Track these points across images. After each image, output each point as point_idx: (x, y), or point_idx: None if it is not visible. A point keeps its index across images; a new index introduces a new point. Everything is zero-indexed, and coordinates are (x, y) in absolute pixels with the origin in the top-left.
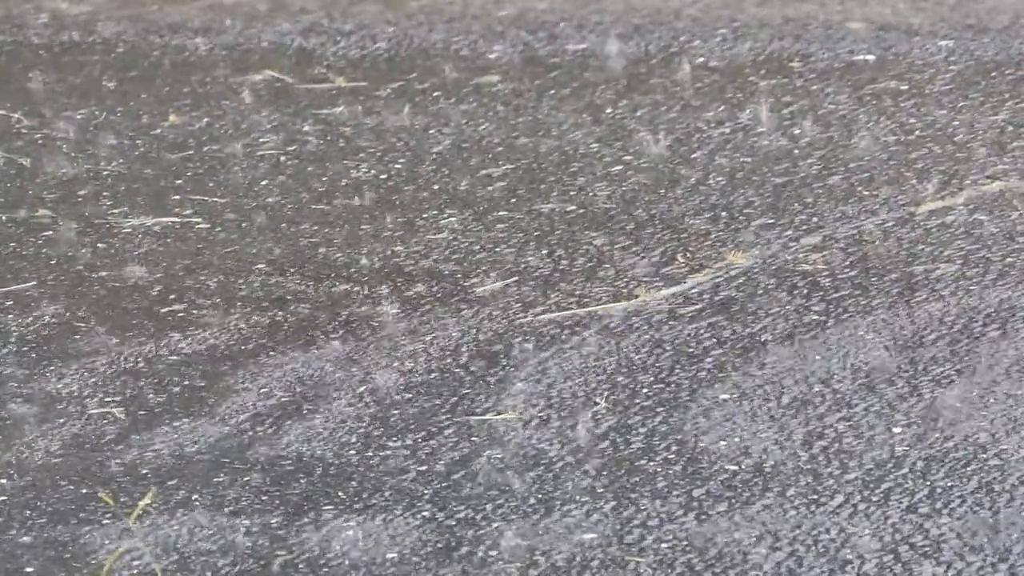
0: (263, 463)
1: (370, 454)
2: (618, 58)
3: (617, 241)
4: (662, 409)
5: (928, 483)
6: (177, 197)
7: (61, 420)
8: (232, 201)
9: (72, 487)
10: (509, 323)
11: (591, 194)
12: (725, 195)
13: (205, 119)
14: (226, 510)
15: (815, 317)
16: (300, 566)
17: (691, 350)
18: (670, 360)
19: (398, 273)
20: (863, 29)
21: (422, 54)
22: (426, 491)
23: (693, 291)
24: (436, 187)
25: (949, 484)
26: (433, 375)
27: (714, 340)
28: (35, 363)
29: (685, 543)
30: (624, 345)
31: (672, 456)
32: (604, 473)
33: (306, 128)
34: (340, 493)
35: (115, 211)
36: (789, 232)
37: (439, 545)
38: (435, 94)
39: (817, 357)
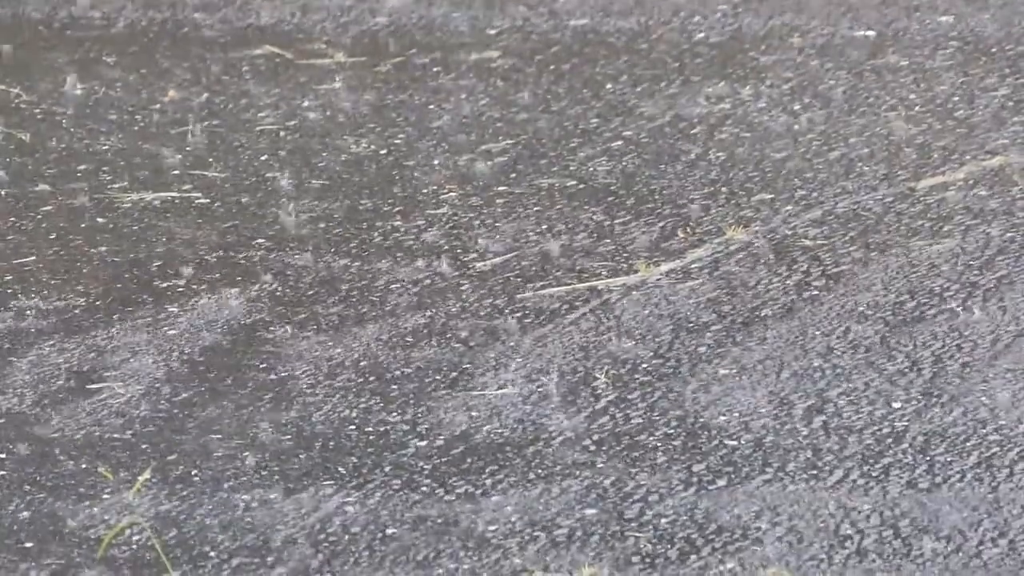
0: (261, 438)
1: (369, 429)
2: (618, 34)
3: (617, 216)
4: (662, 384)
5: (928, 458)
6: (177, 172)
7: (61, 395)
8: (232, 176)
9: (72, 462)
10: (509, 298)
11: (591, 169)
12: (725, 170)
13: (205, 94)
14: (226, 485)
15: (815, 292)
16: (299, 541)
17: (691, 325)
18: (670, 335)
19: (398, 248)
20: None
21: (422, 29)
22: (426, 466)
23: (693, 266)
24: (436, 162)
25: (948, 459)
26: (433, 350)
27: (714, 315)
28: (35, 338)
29: (685, 518)
30: (624, 320)
31: (672, 431)
32: (604, 448)
33: (306, 103)
34: (340, 468)
35: (115, 186)
36: (789, 207)
37: (439, 520)
38: (435, 69)
39: (816, 332)
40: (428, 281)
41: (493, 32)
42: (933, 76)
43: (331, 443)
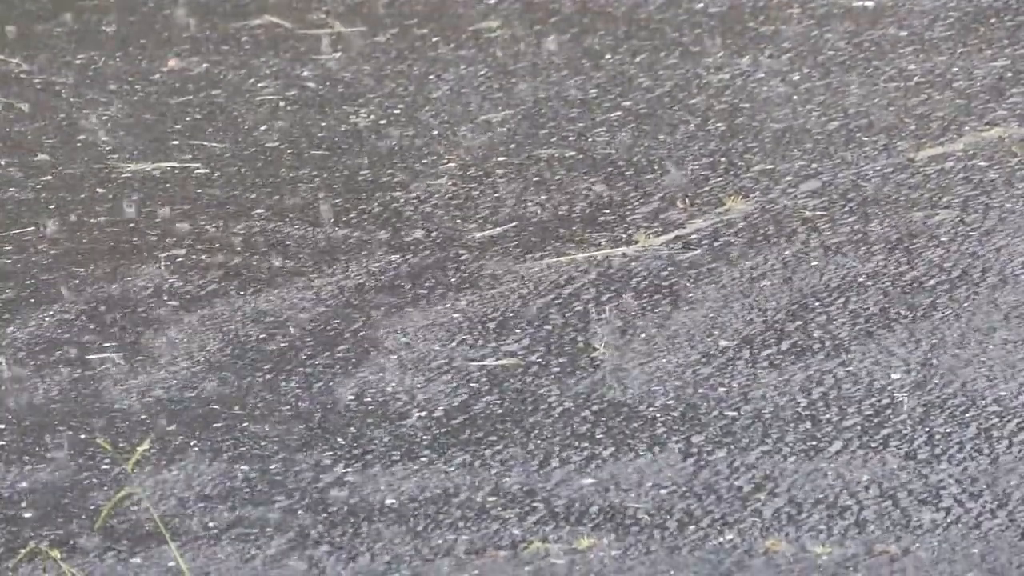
0: (261, 409)
1: (368, 399)
2: (617, 3)
3: (616, 186)
4: (661, 355)
5: (927, 429)
6: (176, 142)
7: (60, 365)
8: (231, 146)
9: (71, 433)
10: (508, 269)
11: (590, 139)
12: (724, 141)
13: (204, 64)
14: (224, 456)
15: (814, 263)
16: (299, 512)
17: (690, 295)
18: (669, 305)
19: (397, 218)
20: None
21: None
22: (425, 437)
23: (692, 236)
24: (435, 133)
25: (948, 431)
26: (432, 320)
27: (713, 285)
28: (34, 308)
29: (684, 489)
30: (623, 290)
31: (671, 402)
32: (603, 419)
33: (305, 73)
34: (339, 439)
35: (114, 156)
36: (788, 178)
37: (438, 491)
38: (434, 40)
39: (816, 303)
40: (427, 251)
41: (492, 2)
42: (932, 47)
43: (330, 414)
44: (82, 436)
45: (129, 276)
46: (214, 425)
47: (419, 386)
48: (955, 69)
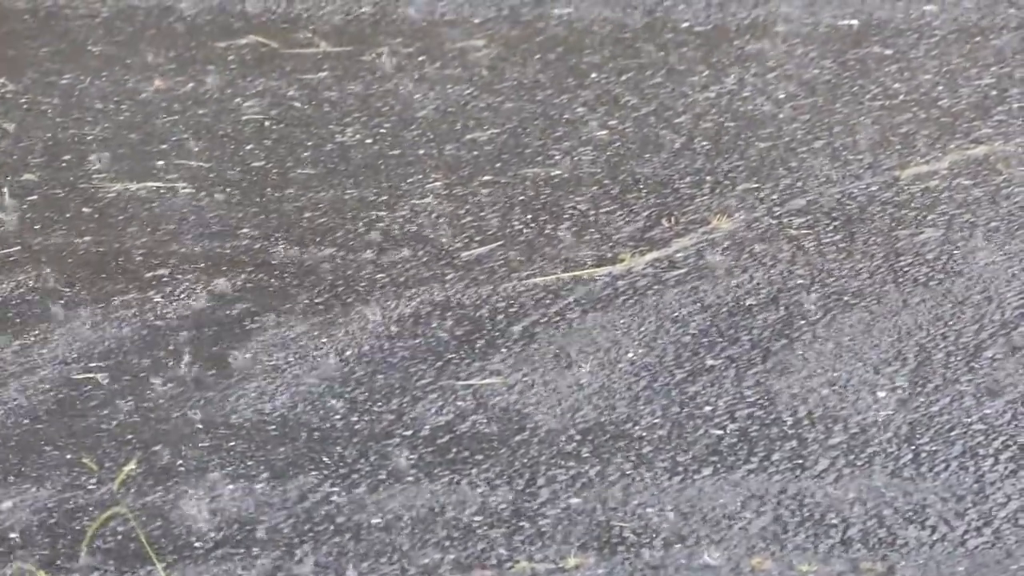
0: (248, 428)
1: (355, 419)
2: (603, 22)
3: (602, 205)
4: (646, 373)
5: (913, 447)
6: (162, 162)
7: (45, 385)
8: (217, 166)
9: (56, 453)
10: (494, 288)
11: (576, 158)
12: (710, 159)
13: (190, 84)
14: (210, 475)
15: (800, 281)
16: (285, 531)
17: (676, 315)
18: (654, 325)
19: (383, 238)
20: None
21: (407, 18)
22: (411, 456)
23: (678, 255)
24: (421, 152)
25: (934, 448)
26: (418, 340)
27: (699, 304)
28: (19, 328)
29: (670, 508)
30: (608, 310)
31: (657, 421)
32: (589, 438)
33: (291, 93)
34: (325, 458)
35: (100, 176)
36: (774, 196)
37: (424, 510)
38: (420, 59)
39: (802, 321)
40: (413, 271)
41: (478, 21)
42: (917, 65)
43: (316, 433)
44: (67, 456)
45: (114, 296)
46: (200, 444)
47: (405, 405)
48: (940, 87)
